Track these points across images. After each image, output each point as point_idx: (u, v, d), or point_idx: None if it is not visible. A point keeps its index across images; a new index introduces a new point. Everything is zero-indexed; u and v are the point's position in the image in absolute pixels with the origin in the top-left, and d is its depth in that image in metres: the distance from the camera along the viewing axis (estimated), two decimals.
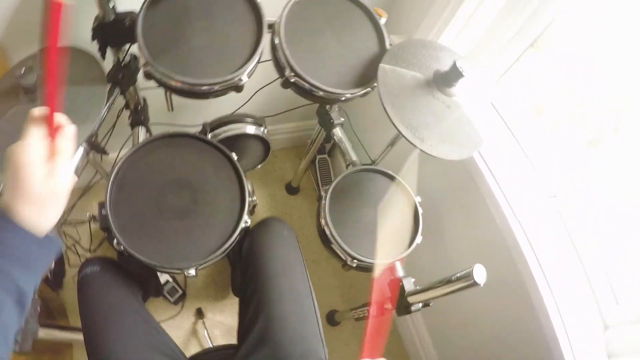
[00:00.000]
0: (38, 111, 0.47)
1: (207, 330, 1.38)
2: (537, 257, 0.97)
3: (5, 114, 0.83)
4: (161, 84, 0.81)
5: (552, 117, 1.12)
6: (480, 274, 0.80)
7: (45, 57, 0.43)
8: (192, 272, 0.79)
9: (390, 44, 0.95)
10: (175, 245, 0.80)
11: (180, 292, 1.37)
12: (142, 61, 0.78)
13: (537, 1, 1.00)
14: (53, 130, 0.47)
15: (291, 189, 1.71)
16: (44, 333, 0.95)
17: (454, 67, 0.87)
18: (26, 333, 0.86)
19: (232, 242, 0.81)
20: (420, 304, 0.95)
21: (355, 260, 0.89)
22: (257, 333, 0.81)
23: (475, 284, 0.79)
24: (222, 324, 1.44)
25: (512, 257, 0.98)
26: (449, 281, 0.85)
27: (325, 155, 1.68)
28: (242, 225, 0.82)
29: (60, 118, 0.48)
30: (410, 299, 0.94)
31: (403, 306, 0.95)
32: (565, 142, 1.07)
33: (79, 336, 1.15)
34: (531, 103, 1.14)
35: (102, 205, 0.84)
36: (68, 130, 0.48)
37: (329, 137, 1.17)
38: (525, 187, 1.04)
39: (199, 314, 1.42)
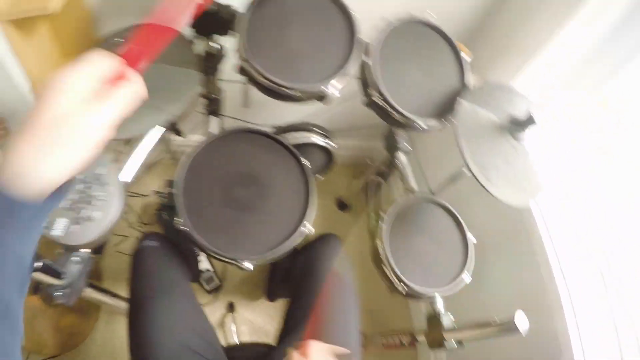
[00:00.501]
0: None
1: (235, 325, 1.40)
2: (575, 316, 0.96)
3: None
4: (251, 80, 0.84)
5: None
6: (521, 321, 0.80)
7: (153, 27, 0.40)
8: (250, 265, 0.81)
9: (470, 82, 0.97)
10: (236, 236, 0.82)
11: (218, 282, 1.40)
12: (240, 56, 0.81)
13: (614, 61, 1.01)
14: (118, 75, 0.39)
15: (342, 205, 1.74)
16: (87, 292, 0.98)
17: (528, 114, 0.90)
18: (74, 289, 0.88)
19: (292, 244, 0.83)
20: (455, 343, 0.95)
21: (403, 285, 0.90)
22: (301, 335, 0.83)
23: (516, 330, 0.79)
24: (250, 322, 1.46)
25: (550, 312, 0.98)
26: (488, 324, 0.86)
27: (381, 178, 1.66)
28: (302, 229, 0.84)
29: (131, 72, 0.39)
30: (446, 336, 0.94)
31: (437, 341, 0.95)
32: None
33: (116, 302, 1.18)
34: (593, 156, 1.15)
35: (170, 183, 0.87)
36: (136, 86, 0.38)
37: (389, 160, 1.18)
38: (575, 244, 1.04)
39: (231, 307, 1.44)
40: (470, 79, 0.97)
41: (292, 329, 0.84)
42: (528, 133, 0.93)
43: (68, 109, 0.33)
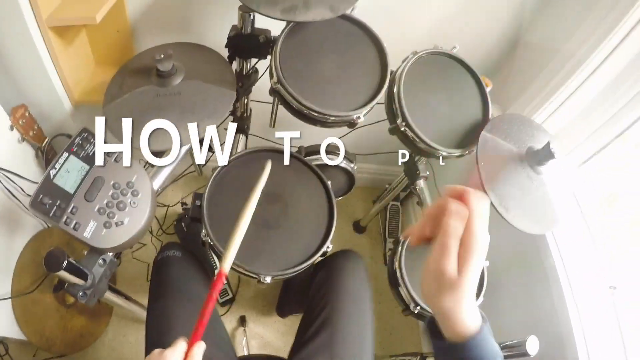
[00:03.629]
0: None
1: (246, 338, 1.41)
2: (586, 345, 0.97)
3: (134, 90, 0.91)
4: (282, 102, 0.87)
5: (624, 208, 1.13)
6: (533, 346, 0.84)
7: (206, 305, 0.56)
8: (268, 279, 0.83)
9: (492, 114, 1.00)
10: (258, 252, 0.85)
11: (230, 295, 1.42)
12: (274, 79, 0.85)
13: (631, 94, 1.04)
14: (192, 343, 0.58)
15: (358, 228, 1.75)
16: (107, 295, 1.00)
17: (547, 147, 0.92)
18: (96, 290, 0.89)
19: (311, 262, 0.85)
20: None
21: (418, 307, 0.91)
22: (316, 346, 0.84)
23: (526, 355, 0.83)
24: (260, 337, 1.47)
25: (560, 339, 0.99)
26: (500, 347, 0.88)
27: (398, 203, 1.71)
28: (324, 249, 0.86)
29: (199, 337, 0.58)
30: None
31: None
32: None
33: (130, 307, 1.20)
34: (606, 192, 1.16)
35: (198, 196, 0.89)
36: (202, 345, 0.58)
37: (408, 186, 1.21)
38: (587, 273, 1.05)
39: (242, 321, 1.45)
40: (492, 111, 1.00)
41: (306, 343, 0.86)
42: (547, 166, 0.95)
43: None
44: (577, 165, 1.19)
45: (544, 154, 0.93)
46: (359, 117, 0.84)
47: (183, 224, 1.46)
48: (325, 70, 0.87)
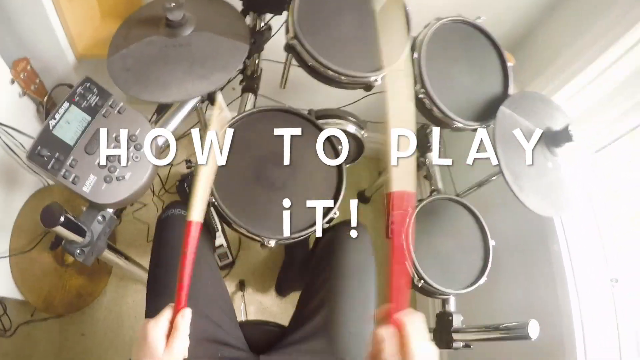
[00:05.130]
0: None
1: (244, 303, 1.40)
2: (583, 333, 0.97)
3: (142, 40, 0.87)
4: (298, 60, 0.84)
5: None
6: (534, 330, 0.82)
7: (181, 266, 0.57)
8: (272, 243, 0.81)
9: (513, 90, 0.97)
10: (263, 213, 0.82)
11: (231, 259, 1.40)
12: (290, 34, 0.81)
13: None
14: (176, 311, 0.57)
15: (363, 198, 1.72)
16: (104, 253, 0.98)
17: (566, 130, 0.90)
18: (94, 248, 0.87)
19: (320, 229, 0.82)
20: (462, 343, 0.95)
21: (421, 281, 0.90)
22: (318, 322, 0.82)
23: (527, 338, 0.81)
24: (259, 302, 1.47)
25: (560, 325, 0.99)
26: (497, 328, 0.87)
27: None
28: (330, 215, 0.83)
29: (183, 302, 0.58)
30: (455, 336, 0.94)
31: (445, 340, 0.96)
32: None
33: (130, 267, 1.19)
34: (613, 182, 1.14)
35: None
36: (186, 312, 0.57)
37: (417, 158, 1.17)
38: (591, 262, 1.04)
39: (241, 286, 1.44)
40: (513, 87, 0.96)
41: (305, 320, 0.83)
42: (564, 148, 0.93)
43: (162, 348, 0.54)
44: (590, 153, 1.17)
45: (562, 136, 0.91)
46: (376, 80, 0.81)
47: (186, 184, 1.44)
48: (344, 30, 0.84)
